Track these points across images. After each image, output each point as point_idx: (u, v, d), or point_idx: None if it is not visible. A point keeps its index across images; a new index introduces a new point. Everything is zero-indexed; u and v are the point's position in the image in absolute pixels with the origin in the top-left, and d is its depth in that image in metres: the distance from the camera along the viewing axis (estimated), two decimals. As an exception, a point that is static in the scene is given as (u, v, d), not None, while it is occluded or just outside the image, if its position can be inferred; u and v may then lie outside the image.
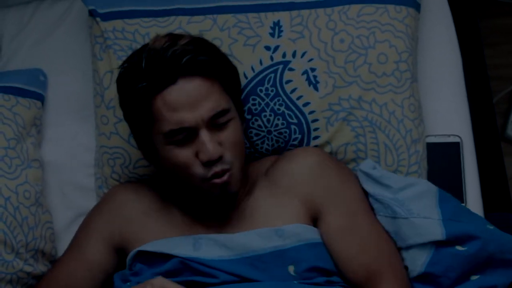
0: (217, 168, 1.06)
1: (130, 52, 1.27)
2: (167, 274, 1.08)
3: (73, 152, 1.37)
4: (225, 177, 1.07)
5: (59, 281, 1.19)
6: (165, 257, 1.11)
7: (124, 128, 1.27)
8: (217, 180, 1.07)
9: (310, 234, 1.13)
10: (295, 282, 1.08)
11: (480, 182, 1.33)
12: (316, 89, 1.25)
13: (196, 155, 1.06)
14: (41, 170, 1.33)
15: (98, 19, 1.32)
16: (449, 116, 1.36)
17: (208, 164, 1.06)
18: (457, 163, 1.31)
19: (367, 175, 1.20)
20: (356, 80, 1.26)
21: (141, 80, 1.06)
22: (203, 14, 1.30)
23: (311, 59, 1.26)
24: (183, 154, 1.06)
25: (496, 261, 1.14)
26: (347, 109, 1.25)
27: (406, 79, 1.27)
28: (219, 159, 1.06)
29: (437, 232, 1.13)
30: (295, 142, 1.26)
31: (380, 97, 1.26)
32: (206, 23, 1.29)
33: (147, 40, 1.28)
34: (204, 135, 1.06)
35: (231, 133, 1.09)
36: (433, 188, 1.19)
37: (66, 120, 1.40)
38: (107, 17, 1.31)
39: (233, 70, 1.16)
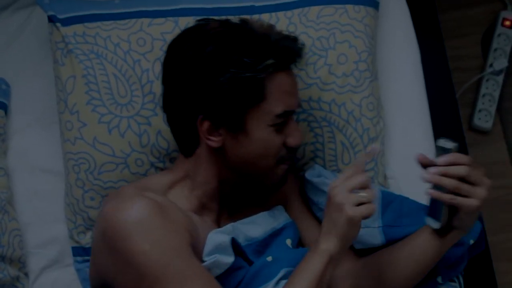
0: (292, 155, 1.14)
1: (92, 56, 1.28)
2: None
3: (37, 159, 1.37)
4: (287, 165, 1.13)
5: None
6: None
7: (88, 133, 1.26)
8: (284, 166, 1.13)
9: None
10: None
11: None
12: (278, 91, 1.27)
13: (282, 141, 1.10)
14: (6, 178, 1.33)
15: (58, 24, 1.31)
16: (409, 111, 1.40)
17: (292, 150, 1.12)
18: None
19: (311, 183, 1.23)
20: (316, 82, 1.27)
21: (268, 56, 1.05)
22: (164, 16, 1.30)
23: (272, 62, 1.27)
24: (279, 138, 1.09)
25: None
26: (307, 111, 1.27)
27: (365, 79, 1.29)
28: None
29: (376, 239, 1.18)
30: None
31: (339, 97, 1.27)
32: (167, 25, 1.30)
33: (109, 43, 1.29)
34: (295, 123, 1.12)
35: None
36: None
37: (30, 128, 1.38)
38: (67, 22, 1.31)
39: None
